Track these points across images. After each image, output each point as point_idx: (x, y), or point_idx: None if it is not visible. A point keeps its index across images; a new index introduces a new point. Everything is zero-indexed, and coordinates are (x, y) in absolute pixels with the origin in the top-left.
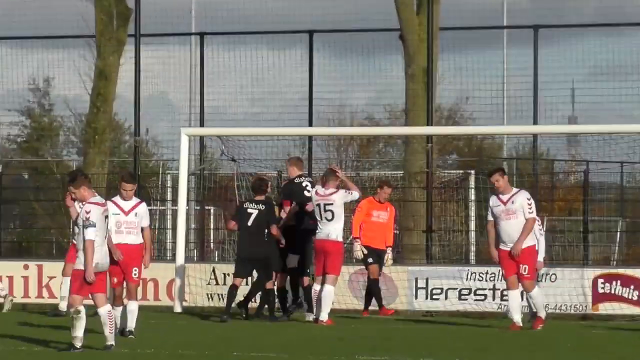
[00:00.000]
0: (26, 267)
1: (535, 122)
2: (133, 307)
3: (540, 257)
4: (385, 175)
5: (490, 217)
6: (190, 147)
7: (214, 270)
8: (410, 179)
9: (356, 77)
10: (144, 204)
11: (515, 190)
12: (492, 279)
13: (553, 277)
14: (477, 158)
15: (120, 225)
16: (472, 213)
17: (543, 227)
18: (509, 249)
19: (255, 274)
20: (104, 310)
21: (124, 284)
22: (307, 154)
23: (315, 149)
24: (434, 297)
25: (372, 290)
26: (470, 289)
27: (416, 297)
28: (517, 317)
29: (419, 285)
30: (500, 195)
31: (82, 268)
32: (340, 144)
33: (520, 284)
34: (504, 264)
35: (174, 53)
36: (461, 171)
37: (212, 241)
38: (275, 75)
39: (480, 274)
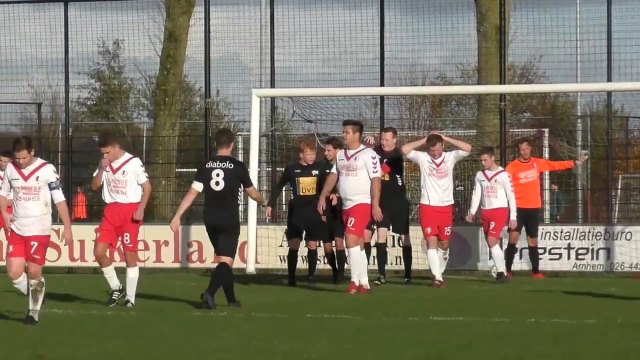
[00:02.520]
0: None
1: (609, 79)
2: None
3: (513, 215)
4: (459, 135)
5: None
6: (261, 108)
7: (285, 232)
8: (483, 138)
9: (428, 36)
10: (132, 161)
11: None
12: (567, 237)
13: (628, 235)
14: (551, 116)
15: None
16: (546, 172)
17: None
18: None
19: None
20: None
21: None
22: (379, 114)
23: (387, 108)
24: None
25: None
26: (544, 248)
27: (490, 257)
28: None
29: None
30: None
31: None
32: (412, 103)
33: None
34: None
35: (244, 13)
36: (535, 129)
37: (283, 202)
38: (346, 35)
39: (555, 233)
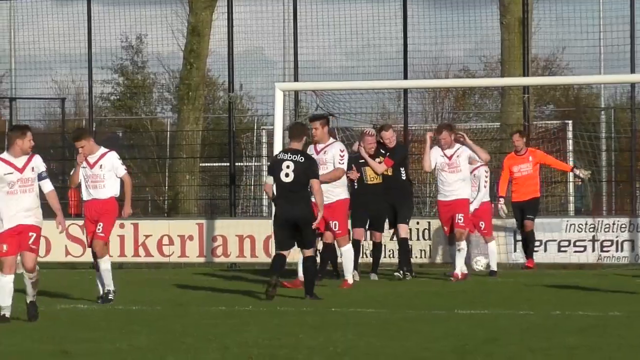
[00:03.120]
0: (122, 226)
1: (632, 71)
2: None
3: (472, 207)
4: (482, 127)
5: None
6: (284, 102)
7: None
8: (507, 131)
9: (451, 28)
10: (109, 154)
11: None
12: (591, 230)
13: None
14: (575, 108)
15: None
16: (570, 163)
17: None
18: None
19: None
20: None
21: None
22: (403, 107)
23: (410, 101)
24: (534, 249)
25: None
26: (569, 241)
27: (515, 250)
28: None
29: (518, 238)
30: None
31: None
32: (435, 96)
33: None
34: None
35: (267, 7)
36: (558, 121)
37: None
38: (369, 29)
39: (580, 225)
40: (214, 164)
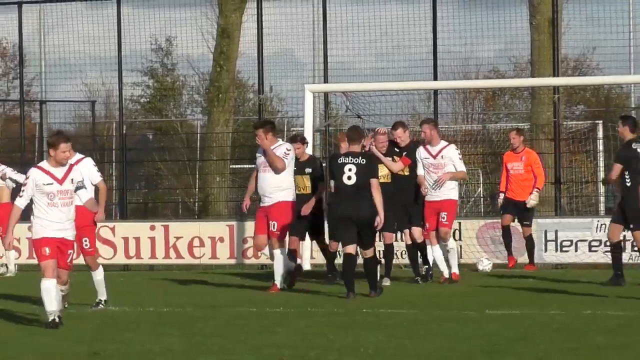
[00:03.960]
0: (152, 228)
1: None
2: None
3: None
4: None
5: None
6: (314, 103)
7: None
8: (537, 131)
9: (481, 29)
10: (84, 161)
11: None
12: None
13: None
14: (605, 108)
15: None
16: (601, 164)
17: None
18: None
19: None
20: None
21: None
22: (433, 108)
23: (440, 102)
24: (564, 249)
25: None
26: (600, 241)
27: (545, 250)
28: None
29: (548, 238)
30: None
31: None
32: (465, 97)
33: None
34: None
35: (296, 9)
36: (589, 122)
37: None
38: (399, 30)
39: None
40: (244, 166)
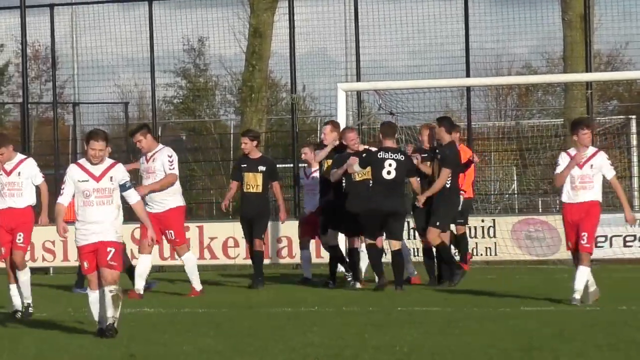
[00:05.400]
0: (187, 228)
1: None
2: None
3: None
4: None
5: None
6: (347, 102)
7: None
8: (570, 127)
9: (513, 25)
10: (27, 161)
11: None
12: None
13: None
14: (638, 103)
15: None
16: (635, 159)
17: None
18: None
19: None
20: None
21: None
22: (466, 105)
23: (473, 99)
24: (598, 244)
25: None
26: (635, 236)
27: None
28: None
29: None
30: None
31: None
32: (498, 93)
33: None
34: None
35: (328, 8)
36: (622, 117)
37: None
38: (431, 27)
39: None
40: (278, 165)
